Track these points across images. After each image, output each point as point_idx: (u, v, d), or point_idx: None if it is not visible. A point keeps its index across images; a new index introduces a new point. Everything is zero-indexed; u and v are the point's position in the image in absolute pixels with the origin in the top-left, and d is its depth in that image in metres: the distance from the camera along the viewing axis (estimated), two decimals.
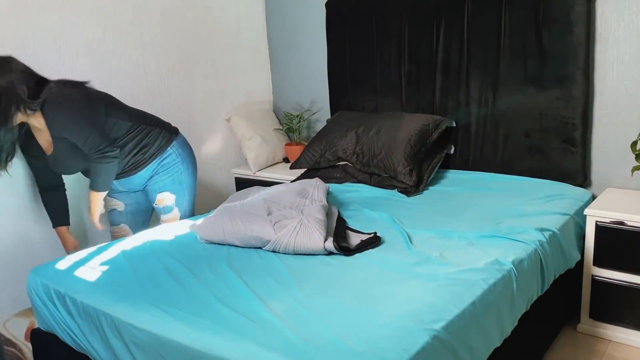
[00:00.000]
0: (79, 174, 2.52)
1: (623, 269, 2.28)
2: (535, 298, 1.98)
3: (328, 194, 2.44)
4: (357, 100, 3.28)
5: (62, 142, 2.27)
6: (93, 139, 2.23)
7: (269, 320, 1.49)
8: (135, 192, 2.58)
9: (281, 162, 3.60)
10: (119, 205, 2.59)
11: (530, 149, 2.70)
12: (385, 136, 2.79)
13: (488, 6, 2.71)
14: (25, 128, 2.26)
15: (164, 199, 2.56)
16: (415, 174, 2.65)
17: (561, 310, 2.43)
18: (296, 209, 2.17)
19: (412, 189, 2.64)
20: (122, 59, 2.89)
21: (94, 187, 2.36)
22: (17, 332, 2.36)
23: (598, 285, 2.35)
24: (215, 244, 2.12)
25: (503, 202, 2.38)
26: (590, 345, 2.34)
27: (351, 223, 2.22)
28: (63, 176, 2.49)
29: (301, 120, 3.50)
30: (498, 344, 1.71)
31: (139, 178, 2.51)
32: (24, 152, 2.38)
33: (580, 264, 2.35)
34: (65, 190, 2.50)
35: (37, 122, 2.22)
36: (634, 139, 2.36)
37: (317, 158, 2.98)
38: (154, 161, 2.49)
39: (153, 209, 2.66)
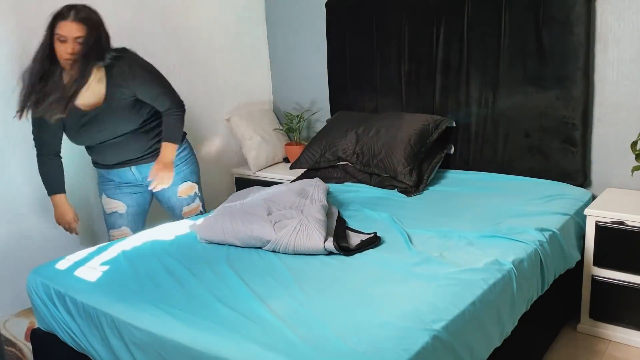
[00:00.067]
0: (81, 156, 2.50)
1: (623, 269, 2.28)
2: (535, 298, 1.98)
3: (328, 194, 2.44)
4: (357, 100, 3.28)
5: (119, 99, 2.29)
6: (164, 95, 2.38)
7: (269, 320, 1.49)
8: (137, 193, 2.56)
9: (281, 162, 3.60)
10: (120, 207, 2.55)
11: (530, 149, 2.70)
12: (385, 136, 2.79)
13: (488, 6, 2.71)
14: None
15: (187, 189, 2.59)
16: (415, 174, 2.65)
17: (561, 310, 2.43)
18: (296, 209, 2.17)
19: (412, 189, 2.64)
20: None
21: (170, 139, 2.41)
22: (17, 332, 2.37)
23: (598, 285, 2.35)
24: (215, 244, 2.12)
25: (503, 202, 2.38)
26: (591, 345, 2.34)
27: (351, 223, 2.22)
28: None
29: (301, 120, 3.50)
30: (498, 344, 1.71)
31: None
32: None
33: (580, 264, 2.35)
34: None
35: (93, 76, 2.22)
36: (634, 139, 2.36)
37: (317, 158, 2.98)
38: None
39: (147, 210, 2.66)
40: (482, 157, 2.85)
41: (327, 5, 3.31)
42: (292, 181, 2.77)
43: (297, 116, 3.49)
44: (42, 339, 2.04)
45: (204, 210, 2.70)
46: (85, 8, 2.18)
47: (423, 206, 2.44)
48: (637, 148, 2.31)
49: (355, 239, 2.03)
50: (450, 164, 2.95)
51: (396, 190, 2.67)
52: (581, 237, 2.36)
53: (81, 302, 1.78)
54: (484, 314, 1.61)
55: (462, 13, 2.79)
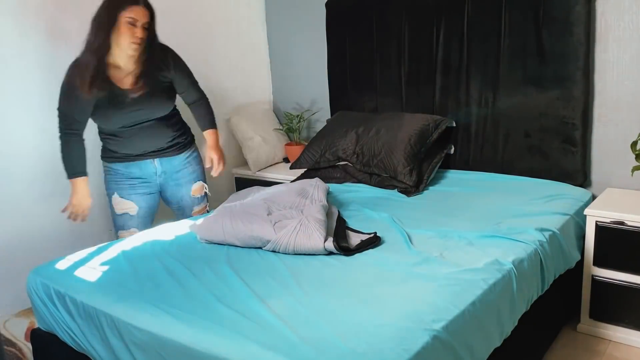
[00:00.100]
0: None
1: (623, 269, 2.28)
2: (535, 298, 1.98)
3: (328, 194, 2.44)
4: (357, 100, 3.28)
5: (160, 82, 2.44)
6: (194, 87, 2.60)
7: (269, 320, 1.49)
8: (149, 194, 2.57)
9: (281, 162, 3.60)
10: (132, 208, 2.53)
11: (530, 149, 2.70)
12: (385, 136, 2.79)
13: (488, 6, 2.71)
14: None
15: (200, 188, 2.66)
16: (415, 174, 2.65)
17: (561, 310, 2.43)
18: (296, 209, 2.17)
19: (412, 189, 2.64)
20: None
21: (213, 126, 2.65)
22: (17, 332, 2.37)
23: (598, 285, 2.35)
24: (215, 244, 2.12)
25: (503, 202, 2.38)
26: (590, 345, 2.34)
27: (351, 223, 2.22)
28: None
29: (301, 120, 3.50)
30: (498, 344, 1.71)
31: (177, 161, 2.57)
32: (70, 88, 2.30)
33: (580, 264, 2.35)
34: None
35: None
36: (634, 139, 2.36)
37: (317, 158, 2.98)
38: (187, 150, 2.61)
39: (155, 212, 2.66)
40: (482, 157, 2.85)
41: (327, 5, 3.32)
42: (292, 181, 2.77)
43: (297, 116, 3.49)
44: (42, 339, 2.03)
45: (208, 210, 2.72)
46: None
47: (423, 206, 2.44)
48: (637, 148, 2.31)
49: (355, 239, 2.03)
50: (450, 164, 2.95)
51: (396, 190, 2.67)
52: (581, 237, 2.36)
53: (81, 302, 1.78)
54: (484, 314, 1.61)
55: (462, 13, 2.80)
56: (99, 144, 2.54)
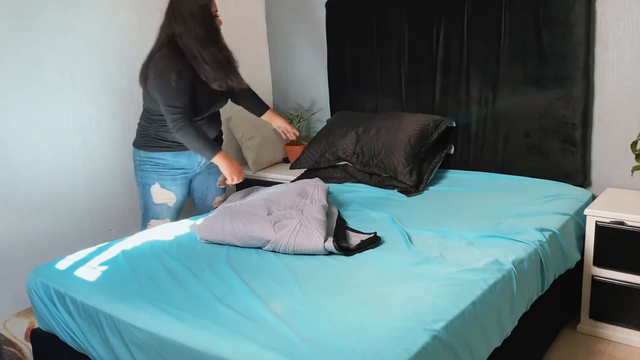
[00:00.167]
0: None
1: (623, 269, 2.28)
2: (535, 298, 1.98)
3: (328, 194, 2.44)
4: (357, 100, 3.28)
5: None
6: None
7: (269, 320, 1.49)
8: (186, 186, 2.63)
9: (281, 162, 3.60)
10: (171, 199, 2.58)
11: (530, 149, 2.70)
12: (385, 136, 2.79)
13: (488, 6, 2.71)
14: None
15: (222, 180, 2.71)
16: (415, 174, 2.65)
17: (561, 310, 2.43)
18: (296, 209, 2.17)
19: (412, 189, 2.64)
20: (122, 58, 2.89)
21: (268, 106, 2.85)
22: (17, 332, 2.37)
23: (598, 285, 2.35)
24: (215, 244, 2.12)
25: (503, 202, 2.38)
26: (590, 345, 2.34)
27: (351, 223, 2.22)
28: None
29: (301, 120, 3.50)
30: (498, 344, 1.71)
31: None
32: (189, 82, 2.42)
33: (580, 264, 2.35)
34: None
35: None
36: (634, 139, 2.36)
37: (317, 158, 2.98)
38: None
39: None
40: (482, 157, 2.85)
41: (327, 5, 3.32)
42: (292, 181, 2.77)
43: (297, 116, 3.49)
44: (42, 339, 2.03)
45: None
46: None
47: (423, 206, 2.44)
48: (637, 148, 2.31)
49: (355, 239, 2.03)
50: (450, 164, 2.95)
51: (396, 190, 2.67)
52: (581, 237, 2.36)
53: (81, 302, 1.78)
54: (484, 314, 1.61)
55: (462, 13, 2.80)
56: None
